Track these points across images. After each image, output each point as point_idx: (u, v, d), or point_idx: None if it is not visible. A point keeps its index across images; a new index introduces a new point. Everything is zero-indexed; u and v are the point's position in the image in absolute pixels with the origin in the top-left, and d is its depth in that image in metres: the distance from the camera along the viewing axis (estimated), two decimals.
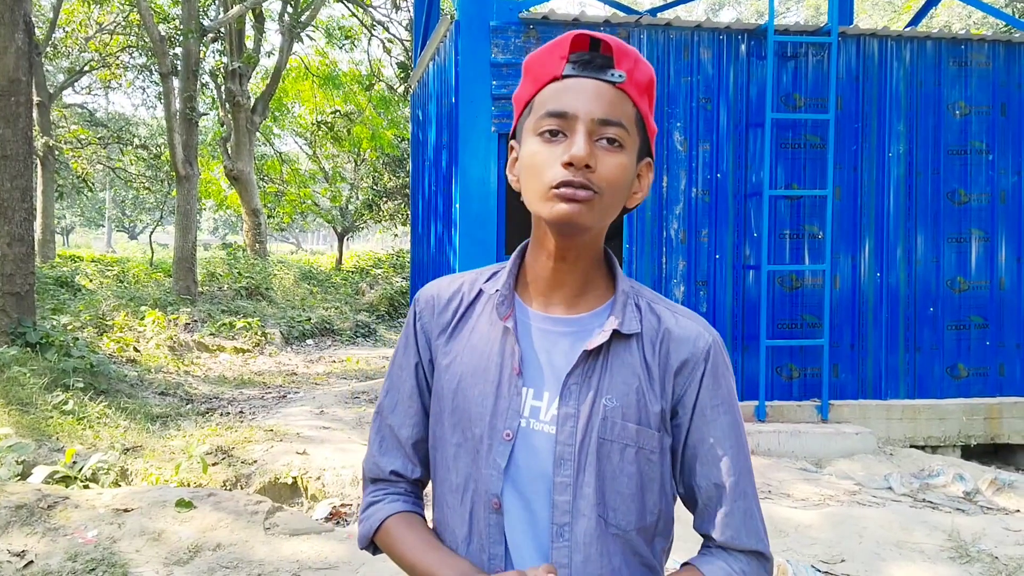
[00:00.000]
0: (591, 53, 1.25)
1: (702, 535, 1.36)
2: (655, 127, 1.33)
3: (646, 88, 1.28)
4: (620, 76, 1.23)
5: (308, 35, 19.89)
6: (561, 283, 1.31)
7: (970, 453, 7.51)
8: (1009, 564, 4.43)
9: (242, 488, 6.37)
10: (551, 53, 1.27)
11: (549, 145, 1.22)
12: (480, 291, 1.38)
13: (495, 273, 1.40)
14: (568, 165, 1.19)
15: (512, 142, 1.34)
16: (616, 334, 1.28)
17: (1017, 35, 7.78)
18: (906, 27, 9.28)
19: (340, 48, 22.91)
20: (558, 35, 1.28)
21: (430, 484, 1.46)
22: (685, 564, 1.33)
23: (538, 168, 1.22)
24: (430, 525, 1.42)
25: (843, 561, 4.55)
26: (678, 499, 1.41)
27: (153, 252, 24.38)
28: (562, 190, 1.19)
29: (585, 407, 1.25)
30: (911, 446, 7.34)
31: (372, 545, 1.43)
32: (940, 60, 7.59)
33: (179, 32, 15.21)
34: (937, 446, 7.43)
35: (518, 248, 1.39)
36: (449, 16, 7.50)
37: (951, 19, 22.26)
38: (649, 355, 1.28)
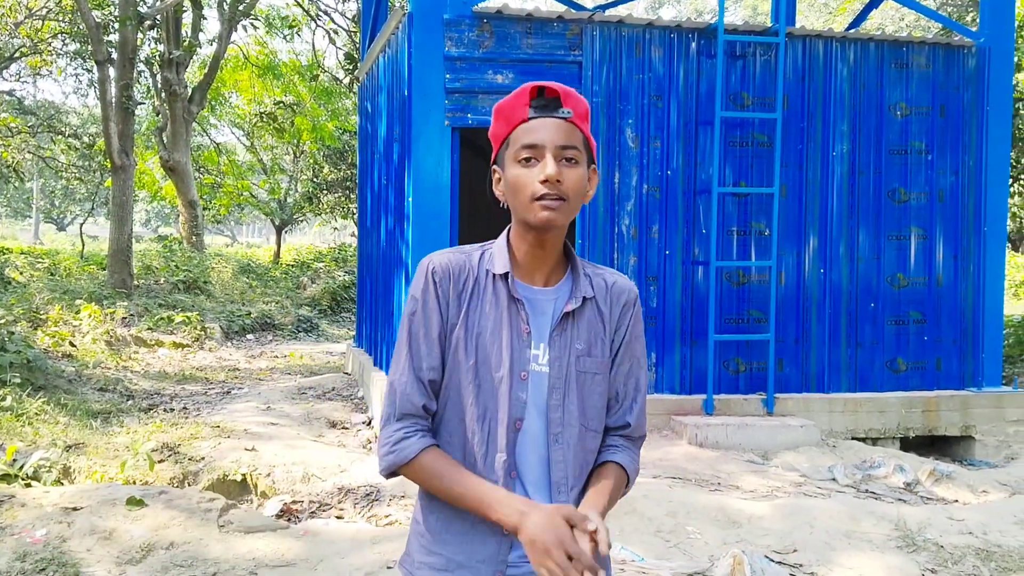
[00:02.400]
0: (545, 99, 1.74)
1: (614, 425, 1.87)
2: (594, 141, 1.83)
3: (585, 117, 1.77)
4: (569, 112, 1.73)
5: (252, 23, 19.51)
6: (540, 265, 1.80)
7: (909, 445, 7.72)
8: (954, 552, 4.57)
9: (190, 485, 6.26)
10: (517, 100, 1.75)
11: (527, 168, 1.70)
12: (479, 268, 1.80)
13: (484, 252, 1.83)
14: (544, 182, 1.68)
15: (495, 167, 1.82)
16: (582, 300, 1.80)
17: (956, 38, 8.01)
18: (848, 28, 9.49)
19: (283, 38, 22.56)
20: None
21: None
22: (600, 464, 1.84)
23: (522, 186, 1.71)
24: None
25: (795, 551, 4.65)
26: None
27: (84, 244, 23.75)
28: (543, 201, 1.68)
29: (565, 351, 1.78)
30: (853, 438, 7.52)
31: (392, 473, 1.76)
32: (883, 62, 7.78)
33: (115, 19, 14.81)
34: (877, 438, 7.63)
35: (503, 235, 1.84)
36: (401, 8, 7.44)
37: (884, 21, 22.81)
38: (603, 306, 1.83)
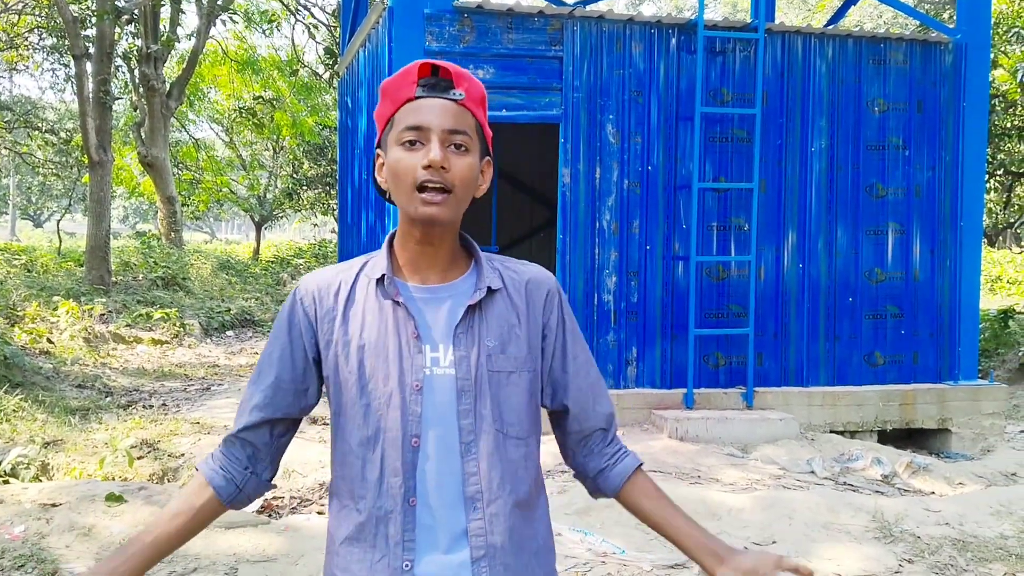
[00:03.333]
0: (435, 78, 1.57)
1: (600, 426, 1.71)
2: (490, 132, 1.66)
3: (480, 102, 1.60)
4: (461, 95, 1.56)
5: (231, 18, 19.39)
6: (431, 263, 1.61)
7: (886, 438, 7.80)
8: (931, 543, 4.63)
9: (169, 482, 6.23)
10: (404, 78, 1.58)
11: (410, 152, 1.53)
12: (357, 277, 1.62)
13: (366, 263, 1.65)
14: (427, 167, 1.51)
15: (378, 151, 1.64)
16: (487, 290, 1.60)
17: (933, 35, 8.08)
18: (827, 25, 9.55)
19: (262, 33, 22.42)
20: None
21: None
22: (628, 479, 1.71)
23: (403, 171, 1.53)
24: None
25: (775, 543, 4.69)
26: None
27: (61, 241, 23.55)
28: (425, 195, 1.52)
29: (473, 350, 1.57)
30: (831, 431, 7.58)
31: None
32: (860, 58, 7.84)
33: (93, 13, 14.68)
34: (855, 431, 7.70)
35: (386, 238, 1.66)
36: (382, 3, 7.42)
37: (862, 18, 22.98)
38: (516, 299, 1.63)
